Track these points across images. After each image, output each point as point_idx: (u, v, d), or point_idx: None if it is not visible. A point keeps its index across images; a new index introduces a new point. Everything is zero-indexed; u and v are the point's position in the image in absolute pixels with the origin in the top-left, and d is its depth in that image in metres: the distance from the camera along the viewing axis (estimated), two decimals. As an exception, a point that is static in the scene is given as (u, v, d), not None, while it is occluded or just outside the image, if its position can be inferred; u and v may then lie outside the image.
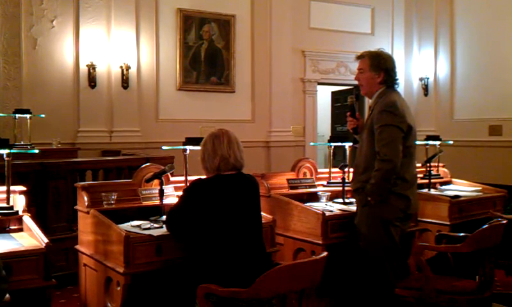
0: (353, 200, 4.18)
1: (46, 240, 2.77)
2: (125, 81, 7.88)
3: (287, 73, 9.31)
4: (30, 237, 2.99)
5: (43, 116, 6.86)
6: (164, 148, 4.07)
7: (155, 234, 2.94)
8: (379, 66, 3.50)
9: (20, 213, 3.19)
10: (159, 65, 8.30)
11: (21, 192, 3.27)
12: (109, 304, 2.99)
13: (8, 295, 2.35)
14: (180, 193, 2.97)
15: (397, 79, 3.58)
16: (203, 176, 2.92)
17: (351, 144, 4.48)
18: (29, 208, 3.26)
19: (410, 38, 10.35)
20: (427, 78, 10.03)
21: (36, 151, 4.35)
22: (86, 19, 7.68)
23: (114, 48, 7.84)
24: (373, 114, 3.47)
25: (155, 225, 3.11)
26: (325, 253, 2.45)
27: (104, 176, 5.87)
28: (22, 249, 2.76)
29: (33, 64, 7.46)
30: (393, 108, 3.37)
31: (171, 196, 3.54)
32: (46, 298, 2.73)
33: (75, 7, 7.67)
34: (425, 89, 10.05)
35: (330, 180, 4.50)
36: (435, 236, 4.14)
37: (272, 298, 2.38)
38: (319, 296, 2.59)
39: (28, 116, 6.70)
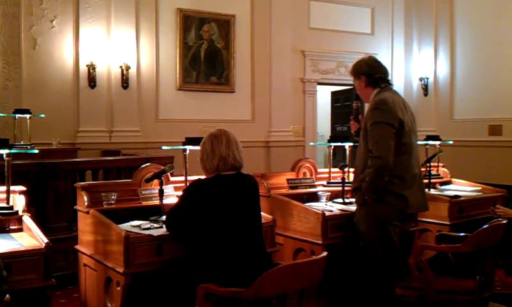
0: (353, 200, 4.19)
1: (46, 240, 2.77)
2: (124, 81, 7.88)
3: (287, 73, 9.31)
4: (30, 237, 2.99)
5: (43, 116, 6.85)
6: (164, 148, 4.07)
7: (155, 234, 2.94)
8: (359, 73, 3.64)
9: (20, 213, 3.19)
10: (158, 65, 8.30)
11: (21, 192, 3.27)
12: (108, 304, 2.99)
13: (8, 295, 2.35)
14: (180, 193, 2.97)
15: (383, 78, 3.59)
16: (203, 177, 2.92)
17: (351, 144, 4.48)
18: (29, 208, 3.26)
19: (410, 38, 10.35)
20: (427, 78, 10.03)
21: (36, 151, 4.35)
22: (85, 19, 7.68)
23: (114, 48, 7.84)
24: (366, 113, 3.52)
25: (155, 225, 3.11)
26: (325, 253, 2.46)
27: (103, 176, 5.87)
28: (22, 249, 2.76)
29: (33, 64, 7.46)
30: (382, 105, 3.42)
31: (171, 196, 3.54)
32: (46, 298, 2.73)
33: (75, 8, 7.67)
34: (425, 89, 10.05)
35: (330, 179, 4.50)
36: (435, 236, 4.14)
37: (273, 298, 2.38)
38: (319, 296, 2.59)
39: (28, 116, 6.69)
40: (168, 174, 3.55)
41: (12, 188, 3.22)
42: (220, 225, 2.72)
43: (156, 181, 3.42)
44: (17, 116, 6.69)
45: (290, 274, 2.33)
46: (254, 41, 9.06)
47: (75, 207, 3.49)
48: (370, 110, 3.48)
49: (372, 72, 3.58)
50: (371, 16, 10.22)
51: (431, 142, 5.20)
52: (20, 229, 3.17)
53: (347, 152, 4.51)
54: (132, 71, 7.96)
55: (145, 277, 2.94)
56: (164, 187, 3.35)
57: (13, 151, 3.20)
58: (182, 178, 3.62)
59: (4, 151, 3.09)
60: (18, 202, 3.23)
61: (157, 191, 3.41)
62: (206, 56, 8.62)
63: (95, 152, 7.46)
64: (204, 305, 2.42)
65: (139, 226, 3.09)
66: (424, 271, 3.27)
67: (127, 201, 3.45)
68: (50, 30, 7.55)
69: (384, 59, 3.77)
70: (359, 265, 3.49)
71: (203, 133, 3.18)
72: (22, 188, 3.30)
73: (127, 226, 3.13)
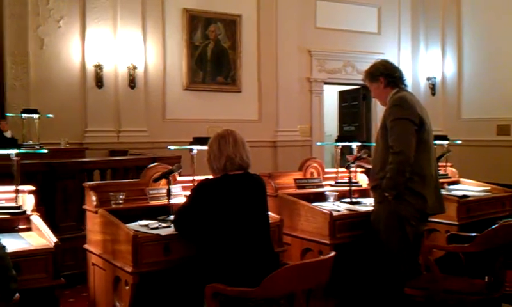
0: (361, 200, 4.19)
1: (55, 240, 2.78)
2: (131, 81, 7.91)
3: (294, 73, 9.31)
4: (39, 237, 3.00)
5: (51, 116, 6.89)
6: (170, 147, 4.08)
7: (162, 233, 2.94)
8: (376, 74, 3.67)
9: (29, 212, 3.20)
10: (165, 65, 8.31)
11: (30, 192, 3.28)
12: (117, 303, 3.00)
13: (17, 294, 2.36)
14: (188, 193, 2.97)
15: (401, 78, 3.66)
16: (210, 176, 2.92)
17: (358, 143, 4.48)
18: (37, 207, 3.27)
19: (417, 37, 10.32)
20: (435, 78, 9.99)
21: (45, 151, 4.37)
22: (92, 19, 7.71)
23: (120, 48, 7.86)
24: (385, 111, 3.55)
25: (163, 224, 3.12)
26: (333, 253, 2.45)
27: (111, 176, 5.89)
28: (31, 248, 2.77)
29: (40, 64, 7.50)
30: (401, 102, 3.47)
31: (179, 196, 3.54)
32: (55, 297, 2.74)
33: (82, 8, 7.70)
34: (433, 88, 10.02)
35: (337, 179, 4.50)
36: (447, 236, 4.12)
37: (280, 297, 2.38)
38: (326, 296, 2.59)
39: (36, 116, 6.72)
40: (176, 173, 3.55)
41: (21, 188, 3.24)
42: (227, 225, 2.72)
43: (164, 181, 3.43)
44: (25, 116, 6.72)
45: (298, 273, 2.33)
46: (260, 41, 9.06)
47: (83, 207, 3.50)
48: (389, 107, 3.51)
49: (390, 72, 3.63)
50: (378, 16, 10.19)
51: (438, 142, 5.17)
52: (29, 229, 3.17)
53: (355, 152, 4.50)
54: (139, 71, 7.98)
55: (154, 277, 2.95)
56: (171, 186, 3.36)
57: (21, 151, 3.22)
58: (190, 178, 3.62)
59: (13, 151, 3.11)
60: (27, 202, 3.24)
61: (164, 191, 3.42)
62: (212, 56, 8.63)
63: (103, 152, 7.49)
64: (212, 304, 2.42)
65: (147, 226, 3.10)
66: (432, 271, 3.25)
67: (135, 200, 3.46)
68: (57, 30, 7.58)
69: (391, 58, 3.85)
70: (371, 264, 3.49)
71: (211, 133, 3.19)
72: (31, 187, 3.31)
73: (135, 225, 3.14)
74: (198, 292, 2.57)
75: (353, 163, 4.10)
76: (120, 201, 3.33)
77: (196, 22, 8.49)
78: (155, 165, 3.63)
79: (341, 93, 10.93)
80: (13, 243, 2.83)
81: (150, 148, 7.66)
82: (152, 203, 3.47)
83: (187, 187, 3.51)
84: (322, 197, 4.22)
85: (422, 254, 3.43)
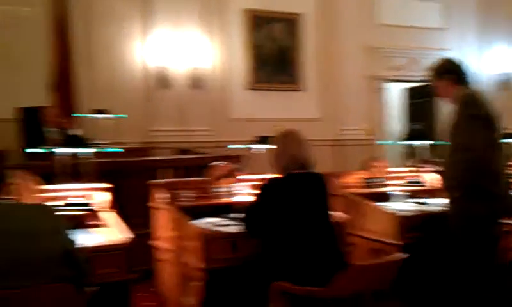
0: (427, 200, 4.09)
1: (128, 235, 2.88)
2: (195, 81, 8.05)
3: (356, 71, 9.16)
4: (112, 232, 3.10)
5: (125, 116, 7.10)
6: (230, 146, 4.13)
7: (230, 231, 2.99)
8: (441, 72, 3.58)
9: (103, 209, 3.32)
10: (227, 65, 8.40)
11: (105, 189, 3.40)
12: (186, 299, 3.07)
13: (94, 288, 2.45)
14: (251, 191, 3.01)
15: (468, 75, 3.56)
16: (276, 175, 2.94)
17: (425, 142, 4.38)
18: (113, 204, 3.38)
19: (484, 31, 9.88)
20: (506, 74, 9.55)
21: (121, 150, 4.50)
22: (154, 21, 7.88)
23: (183, 48, 8.01)
24: (452, 109, 3.46)
25: (229, 222, 3.16)
26: (402, 254, 2.42)
27: (176, 175, 6.00)
28: (105, 243, 2.87)
29: (105, 65, 7.71)
30: (469, 99, 3.39)
31: (242, 194, 3.58)
32: (127, 291, 2.83)
33: (144, 10, 7.88)
34: (504, 84, 9.57)
35: (403, 179, 4.40)
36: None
37: (347, 297, 2.36)
38: (393, 297, 2.55)
39: (107, 116, 6.96)
40: (239, 172, 3.60)
41: (96, 185, 3.37)
42: (292, 223, 2.73)
43: (227, 179, 3.48)
44: (96, 116, 6.97)
45: (365, 274, 2.31)
46: (321, 39, 8.98)
47: (148, 204, 3.60)
48: (457, 105, 3.42)
49: (457, 69, 3.54)
50: (442, 11, 9.87)
51: (508, 140, 4.94)
52: (102, 225, 3.28)
53: (423, 151, 4.40)
54: (202, 71, 8.11)
55: (220, 274, 2.99)
56: (234, 185, 3.41)
57: (98, 150, 3.35)
58: (252, 176, 3.66)
59: (90, 151, 3.25)
60: (102, 199, 3.36)
61: (227, 189, 3.48)
62: (274, 55, 8.65)
63: (167, 151, 7.65)
64: (277, 302, 2.44)
65: (212, 223, 3.15)
66: (508, 273, 3.13)
67: (198, 198, 3.54)
68: (121, 32, 7.81)
69: (457, 54, 3.73)
70: (441, 265, 3.40)
71: (275, 132, 3.20)
72: (106, 185, 3.43)
73: (200, 222, 3.20)
74: (263, 290, 2.59)
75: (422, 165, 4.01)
76: (186, 199, 3.41)
77: (257, 21, 8.54)
78: (218, 164, 3.69)
79: (406, 90, 10.66)
80: (88, 238, 2.93)
81: (215, 147, 7.75)
82: (215, 201, 3.53)
83: (250, 185, 3.55)
84: (386, 196, 4.15)
85: (499, 256, 3.30)
